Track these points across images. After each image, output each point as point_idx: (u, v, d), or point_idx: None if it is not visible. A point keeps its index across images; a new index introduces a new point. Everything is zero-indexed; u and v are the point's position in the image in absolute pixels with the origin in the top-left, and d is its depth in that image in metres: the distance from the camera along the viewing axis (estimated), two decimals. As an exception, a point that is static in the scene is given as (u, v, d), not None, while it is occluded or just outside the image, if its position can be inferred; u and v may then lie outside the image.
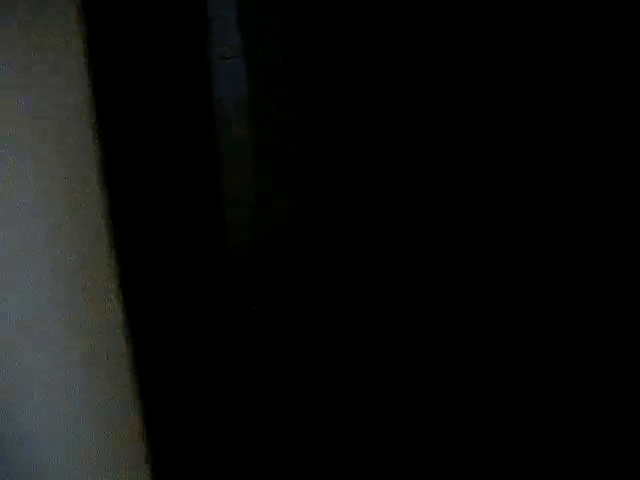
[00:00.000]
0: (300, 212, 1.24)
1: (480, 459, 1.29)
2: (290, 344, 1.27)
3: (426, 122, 1.22)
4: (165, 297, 1.26)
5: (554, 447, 1.27)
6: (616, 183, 1.21)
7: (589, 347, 1.25)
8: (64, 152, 1.23)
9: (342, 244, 1.25)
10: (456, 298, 1.26)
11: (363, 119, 1.21)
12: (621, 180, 1.20)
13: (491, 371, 1.27)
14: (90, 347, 1.28)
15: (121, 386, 1.29)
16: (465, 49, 1.19)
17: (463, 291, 1.26)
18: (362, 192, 1.24)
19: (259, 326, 1.26)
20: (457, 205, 1.23)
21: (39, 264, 1.25)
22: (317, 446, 1.30)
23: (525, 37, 1.17)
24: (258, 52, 1.19)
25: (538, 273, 1.24)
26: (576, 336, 1.24)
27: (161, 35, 1.18)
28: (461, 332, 1.26)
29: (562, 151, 1.20)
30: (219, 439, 1.30)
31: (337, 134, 1.22)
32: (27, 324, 1.26)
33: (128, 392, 1.29)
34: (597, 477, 1.27)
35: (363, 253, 1.25)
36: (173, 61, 1.19)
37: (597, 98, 1.18)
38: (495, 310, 1.26)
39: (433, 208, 1.24)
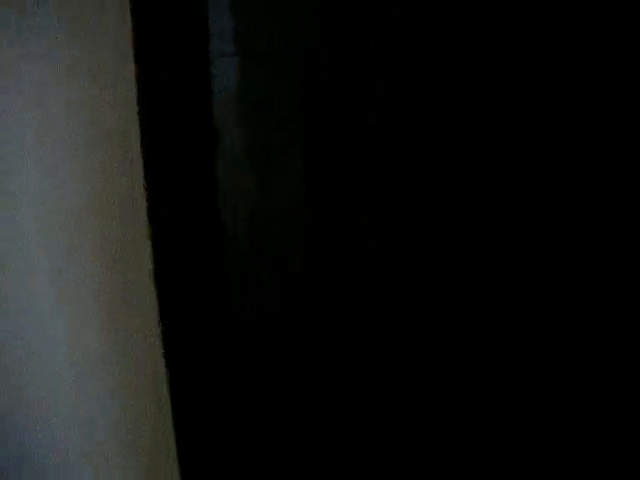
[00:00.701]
0: (298, 208, 1.25)
1: (480, 459, 1.29)
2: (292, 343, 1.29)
3: (428, 122, 1.22)
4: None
5: (554, 447, 1.27)
6: (616, 183, 1.20)
7: (589, 347, 1.24)
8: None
9: (345, 243, 1.26)
10: (456, 299, 1.26)
11: (364, 116, 1.22)
12: (621, 180, 1.20)
13: (491, 372, 1.27)
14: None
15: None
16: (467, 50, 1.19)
17: (463, 292, 1.25)
18: (360, 190, 1.24)
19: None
20: (457, 205, 1.24)
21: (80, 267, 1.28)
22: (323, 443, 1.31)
23: (524, 39, 1.17)
24: (257, 50, 1.20)
25: (538, 274, 1.24)
26: (576, 336, 1.24)
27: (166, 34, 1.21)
28: (461, 333, 1.26)
29: (562, 151, 1.20)
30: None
31: (337, 131, 1.22)
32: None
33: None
34: (596, 477, 1.27)
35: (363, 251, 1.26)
36: (176, 59, 1.21)
37: (597, 98, 1.18)
38: (495, 311, 1.26)
39: (438, 209, 1.24)
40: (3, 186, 1.23)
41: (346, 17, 1.19)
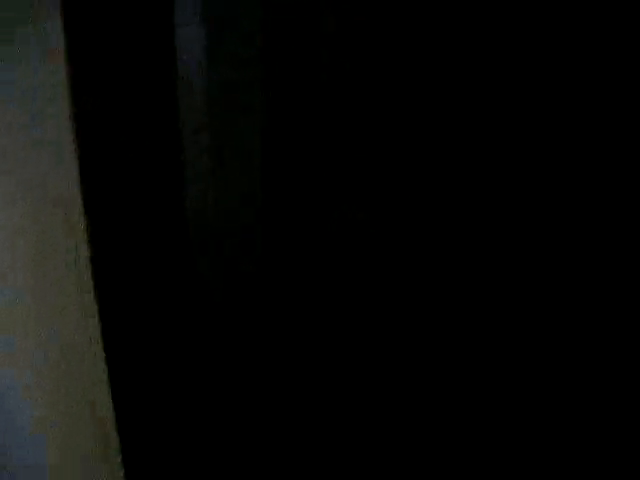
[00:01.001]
0: (258, 185, 1.24)
1: (479, 459, 1.28)
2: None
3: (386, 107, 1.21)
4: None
5: (554, 447, 1.26)
6: (616, 183, 1.18)
7: (589, 347, 1.23)
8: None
9: (308, 226, 1.26)
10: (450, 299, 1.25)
11: (325, 89, 1.21)
12: (621, 180, 1.18)
13: (490, 372, 1.26)
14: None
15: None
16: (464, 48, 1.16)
17: (459, 292, 1.24)
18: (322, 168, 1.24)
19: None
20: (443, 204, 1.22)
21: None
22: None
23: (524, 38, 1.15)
24: (217, 19, 1.19)
25: (538, 274, 1.22)
26: (576, 336, 1.23)
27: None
28: (459, 333, 1.25)
29: (562, 151, 1.18)
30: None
31: (298, 102, 1.21)
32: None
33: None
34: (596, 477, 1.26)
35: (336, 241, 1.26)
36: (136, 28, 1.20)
37: (597, 98, 1.16)
38: (493, 311, 1.24)
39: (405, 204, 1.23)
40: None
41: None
